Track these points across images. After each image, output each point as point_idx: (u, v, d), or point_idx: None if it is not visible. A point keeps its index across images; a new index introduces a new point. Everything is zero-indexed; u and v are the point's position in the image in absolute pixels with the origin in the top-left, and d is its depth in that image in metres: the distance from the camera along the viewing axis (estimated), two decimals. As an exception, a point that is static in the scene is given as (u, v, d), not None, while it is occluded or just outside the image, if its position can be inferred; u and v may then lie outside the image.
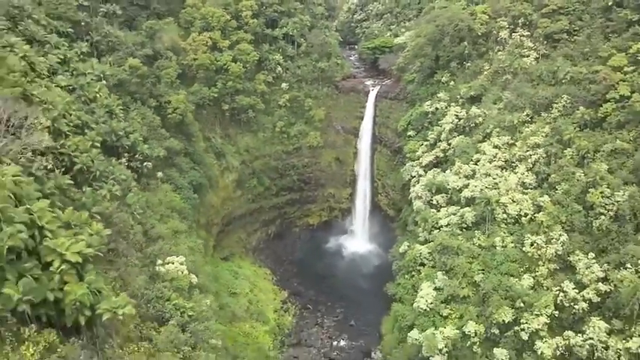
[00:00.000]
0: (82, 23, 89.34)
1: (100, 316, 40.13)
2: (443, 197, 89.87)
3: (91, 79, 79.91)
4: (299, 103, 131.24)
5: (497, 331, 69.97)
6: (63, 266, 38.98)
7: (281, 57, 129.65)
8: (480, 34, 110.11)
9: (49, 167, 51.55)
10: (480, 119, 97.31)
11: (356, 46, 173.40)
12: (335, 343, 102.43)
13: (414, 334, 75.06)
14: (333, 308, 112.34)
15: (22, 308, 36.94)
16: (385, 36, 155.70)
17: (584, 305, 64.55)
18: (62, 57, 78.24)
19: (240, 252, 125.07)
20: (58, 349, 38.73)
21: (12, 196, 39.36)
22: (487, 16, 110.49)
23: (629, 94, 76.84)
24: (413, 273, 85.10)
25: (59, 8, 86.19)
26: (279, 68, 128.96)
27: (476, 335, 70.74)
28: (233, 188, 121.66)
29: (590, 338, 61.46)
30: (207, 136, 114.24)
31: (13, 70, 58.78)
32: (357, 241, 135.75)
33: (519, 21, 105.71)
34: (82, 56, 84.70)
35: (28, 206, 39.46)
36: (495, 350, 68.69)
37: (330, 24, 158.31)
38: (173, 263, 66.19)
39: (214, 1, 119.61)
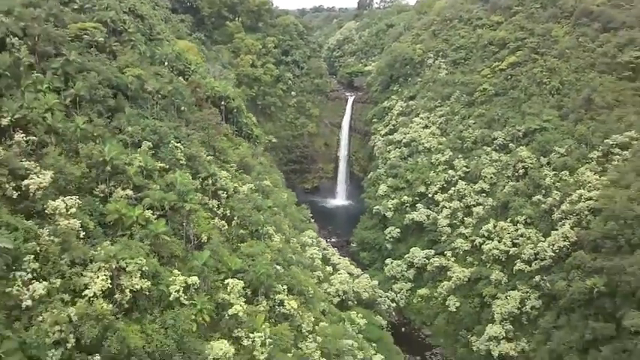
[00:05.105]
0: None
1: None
2: (392, 146, 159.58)
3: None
4: (302, 104, 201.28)
5: (417, 198, 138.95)
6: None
7: (291, 75, 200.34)
8: (417, 61, 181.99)
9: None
10: (414, 107, 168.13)
11: (334, 75, 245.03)
12: (329, 240, 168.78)
13: (376, 207, 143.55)
14: (325, 227, 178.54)
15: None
16: (357, 66, 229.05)
17: (460, 173, 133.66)
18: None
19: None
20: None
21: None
22: (421, 51, 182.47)
23: (488, 87, 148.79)
24: (374, 185, 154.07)
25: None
26: (290, 82, 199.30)
27: (407, 202, 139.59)
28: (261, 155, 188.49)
29: (459, 189, 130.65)
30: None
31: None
32: (339, 199, 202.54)
33: (440, 53, 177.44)
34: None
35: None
36: (417, 205, 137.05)
37: (321, 55, 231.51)
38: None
39: (250, 36, 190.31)
